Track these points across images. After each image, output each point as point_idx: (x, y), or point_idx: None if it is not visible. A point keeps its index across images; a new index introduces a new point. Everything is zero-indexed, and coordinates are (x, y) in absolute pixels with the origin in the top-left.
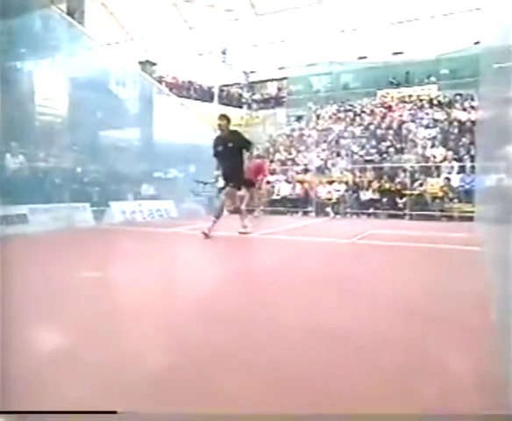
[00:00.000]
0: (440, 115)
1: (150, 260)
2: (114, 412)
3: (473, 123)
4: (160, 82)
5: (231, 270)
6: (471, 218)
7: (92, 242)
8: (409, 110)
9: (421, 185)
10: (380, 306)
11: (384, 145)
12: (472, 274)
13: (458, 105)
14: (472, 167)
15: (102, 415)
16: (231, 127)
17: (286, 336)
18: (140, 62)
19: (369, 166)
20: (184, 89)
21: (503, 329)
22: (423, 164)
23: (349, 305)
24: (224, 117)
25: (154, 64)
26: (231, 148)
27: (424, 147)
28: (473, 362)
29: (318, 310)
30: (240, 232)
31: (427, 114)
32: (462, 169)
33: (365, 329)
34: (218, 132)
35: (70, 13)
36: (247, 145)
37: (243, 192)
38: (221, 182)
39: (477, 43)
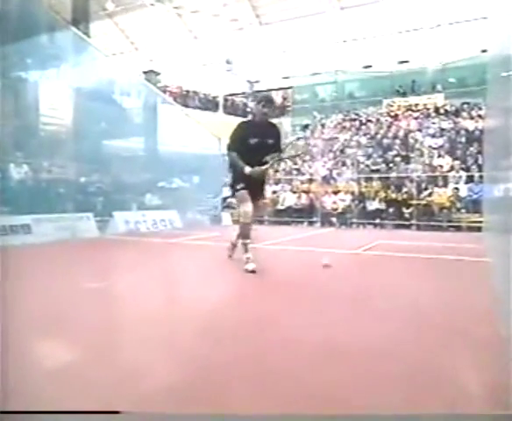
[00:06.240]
0: (447, 124)
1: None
2: (116, 412)
3: (481, 132)
4: (164, 91)
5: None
6: (479, 229)
7: (96, 254)
8: (416, 119)
9: (428, 195)
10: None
11: (390, 154)
12: (478, 286)
13: (465, 114)
14: (480, 177)
15: (103, 415)
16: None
17: None
18: (145, 72)
19: (375, 175)
20: (189, 99)
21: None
22: (430, 174)
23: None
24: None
25: (159, 74)
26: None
27: (431, 157)
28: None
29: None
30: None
31: (433, 123)
32: (470, 179)
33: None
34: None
35: (75, 24)
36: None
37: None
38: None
39: (484, 51)
